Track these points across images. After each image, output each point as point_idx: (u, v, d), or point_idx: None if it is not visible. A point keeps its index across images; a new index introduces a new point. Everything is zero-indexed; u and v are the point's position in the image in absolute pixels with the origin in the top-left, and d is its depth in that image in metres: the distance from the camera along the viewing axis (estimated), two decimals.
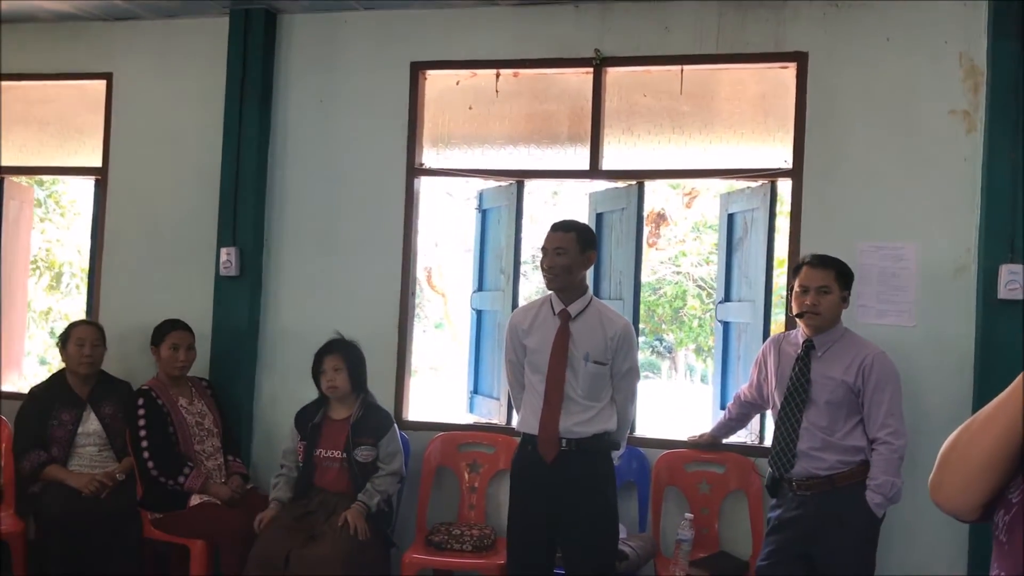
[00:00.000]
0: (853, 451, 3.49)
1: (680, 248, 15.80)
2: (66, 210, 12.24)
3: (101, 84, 5.14)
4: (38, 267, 12.04)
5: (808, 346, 3.60)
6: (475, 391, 4.91)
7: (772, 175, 4.34)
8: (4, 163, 5.34)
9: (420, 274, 14.99)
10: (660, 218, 13.21)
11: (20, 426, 4.43)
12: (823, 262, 3.59)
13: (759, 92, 4.42)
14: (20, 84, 5.30)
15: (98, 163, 5.16)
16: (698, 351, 17.39)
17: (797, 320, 3.65)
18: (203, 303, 4.83)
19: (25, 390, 4.73)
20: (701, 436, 4.29)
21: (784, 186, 4.36)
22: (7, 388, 5.25)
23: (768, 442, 3.90)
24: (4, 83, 5.30)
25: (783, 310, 4.38)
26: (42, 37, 5.21)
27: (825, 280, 3.55)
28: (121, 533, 4.22)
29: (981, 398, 3.86)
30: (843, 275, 3.59)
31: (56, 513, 4.16)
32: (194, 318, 4.63)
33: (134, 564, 4.26)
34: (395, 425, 4.25)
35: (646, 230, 14.25)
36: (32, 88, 5.30)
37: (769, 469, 3.66)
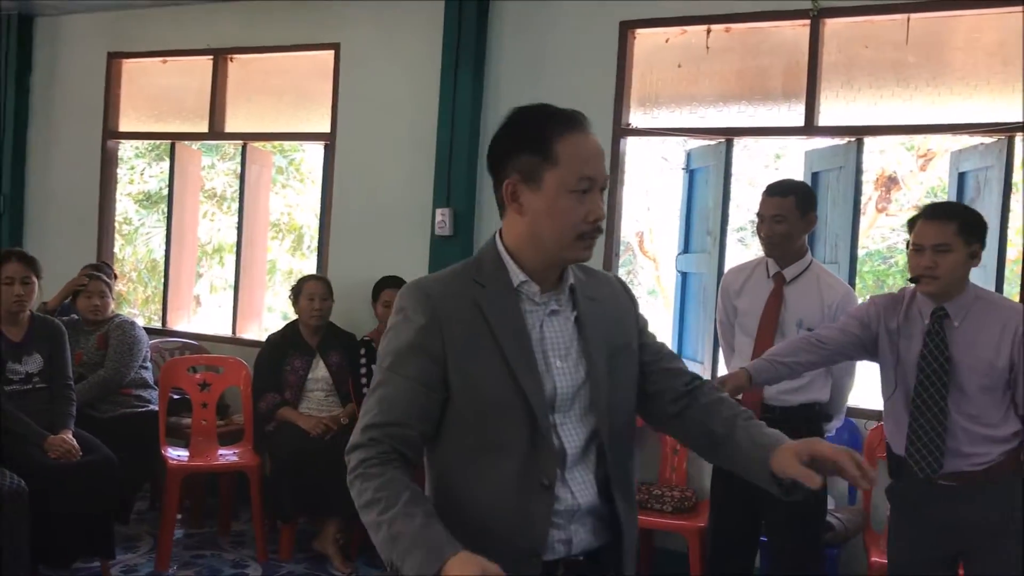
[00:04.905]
0: (1011, 438, 2.88)
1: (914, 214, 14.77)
2: (305, 177, 13.14)
3: (330, 54, 5.47)
4: (280, 230, 13.03)
5: (940, 315, 2.91)
6: (680, 354, 4.87)
7: (1010, 130, 3.99)
8: (246, 130, 5.82)
9: (632, 239, 14.98)
10: (891, 181, 12.42)
11: (258, 370, 4.86)
12: (940, 214, 2.90)
13: (996, 40, 4.07)
14: (259, 56, 5.74)
15: (327, 129, 5.51)
16: None
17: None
18: (420, 261, 5.07)
19: (264, 339, 5.16)
20: None
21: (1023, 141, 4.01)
22: (249, 336, 5.76)
23: None
24: (248, 56, 5.77)
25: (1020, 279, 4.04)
26: (277, 12, 5.60)
27: (943, 236, 2.84)
28: (342, 473, 4.52)
29: None
30: (969, 227, 2.87)
31: (287, 451, 4.53)
32: (412, 275, 4.79)
33: (351, 502, 4.56)
34: None
35: (875, 194, 13.44)
36: (270, 60, 5.72)
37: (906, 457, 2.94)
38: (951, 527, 2.90)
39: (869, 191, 13.19)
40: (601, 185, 1.69)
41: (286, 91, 5.72)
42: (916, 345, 2.92)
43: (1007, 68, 4.04)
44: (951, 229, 2.85)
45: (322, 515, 4.56)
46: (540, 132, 1.67)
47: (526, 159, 1.66)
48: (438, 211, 4.97)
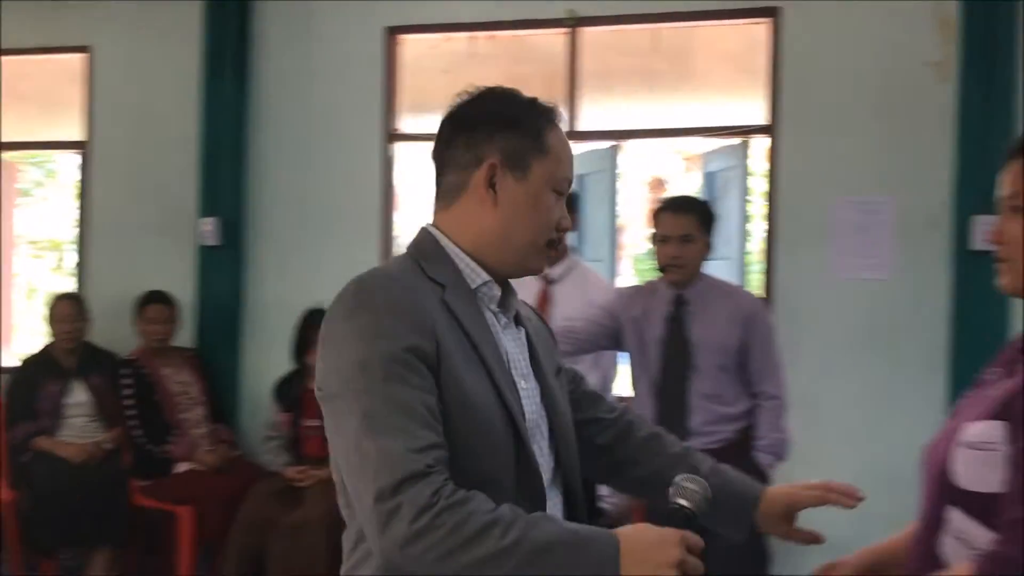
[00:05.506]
0: (743, 416, 3.12)
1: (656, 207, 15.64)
2: (63, 189, 12.28)
3: (81, 58, 5.15)
4: (42, 247, 12.11)
5: (679, 302, 3.12)
6: None
7: (748, 132, 4.33)
8: None
9: None
10: (659, 184, 13.15)
11: (9, 398, 4.50)
12: (683, 207, 3.10)
13: (734, 49, 4.41)
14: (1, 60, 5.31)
15: (81, 137, 5.19)
16: None
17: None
18: (186, 273, 4.88)
19: (16, 365, 4.77)
20: None
21: (761, 143, 4.35)
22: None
23: None
24: None
25: (763, 268, 4.37)
26: (20, 13, 5.19)
27: (687, 227, 3.04)
28: (110, 501, 4.28)
29: (956, 350, 3.88)
30: (706, 219, 3.11)
31: (46, 483, 4.21)
32: (178, 288, 4.69)
33: (123, 531, 4.32)
34: None
35: (649, 196, 14.17)
36: (13, 63, 5.29)
37: None
38: None
39: (644, 192, 13.93)
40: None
41: (32, 97, 5.33)
42: (658, 331, 3.11)
43: (744, 75, 4.38)
44: (693, 221, 3.06)
45: (89, 546, 4.29)
46: (530, 114, 1.45)
47: (515, 141, 1.42)
48: (204, 220, 4.79)
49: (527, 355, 1.48)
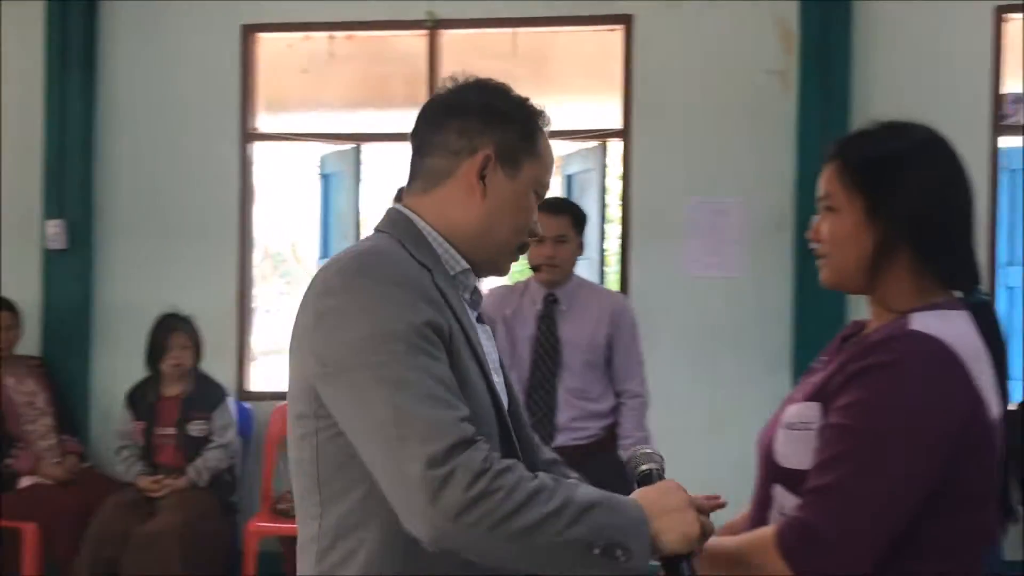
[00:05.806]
0: (609, 413, 3.22)
1: None
2: None
3: None
4: None
5: (550, 300, 3.23)
6: None
7: (604, 136, 4.45)
8: None
9: (287, 249, 14.80)
10: None
11: None
12: (558, 208, 3.18)
13: (590, 54, 4.52)
14: None
15: None
16: None
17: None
18: (30, 279, 4.64)
19: None
20: None
21: (616, 146, 4.48)
22: None
23: None
24: None
25: (618, 269, 4.51)
26: None
27: (561, 228, 3.13)
28: None
29: (799, 344, 4.10)
30: (579, 220, 3.22)
31: None
32: (21, 294, 4.47)
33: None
34: (227, 398, 4.26)
35: None
36: None
37: None
38: None
39: None
40: None
41: None
42: (529, 328, 3.20)
43: (600, 80, 4.50)
44: (567, 221, 3.16)
45: None
46: (524, 113, 1.43)
47: (511, 136, 1.39)
48: (49, 223, 4.59)
49: (496, 350, 1.46)
